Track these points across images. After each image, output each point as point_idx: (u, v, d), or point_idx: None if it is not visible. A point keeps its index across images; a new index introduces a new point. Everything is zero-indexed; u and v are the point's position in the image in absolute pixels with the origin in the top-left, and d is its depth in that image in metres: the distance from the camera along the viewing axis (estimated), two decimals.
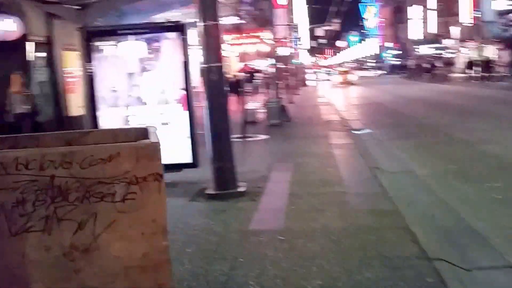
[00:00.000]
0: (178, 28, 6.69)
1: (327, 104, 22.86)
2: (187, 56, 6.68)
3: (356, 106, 22.49)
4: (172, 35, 6.75)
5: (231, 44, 33.37)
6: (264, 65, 38.47)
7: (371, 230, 4.68)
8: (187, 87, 6.75)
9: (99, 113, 6.95)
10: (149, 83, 6.86)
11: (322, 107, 21.06)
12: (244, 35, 35.89)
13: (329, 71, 63.88)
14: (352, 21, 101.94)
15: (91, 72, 6.89)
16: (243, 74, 32.22)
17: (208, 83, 6.13)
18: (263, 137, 12.32)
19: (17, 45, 13.48)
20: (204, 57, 6.10)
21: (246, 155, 9.68)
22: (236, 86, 17.49)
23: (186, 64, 6.70)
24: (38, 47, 14.51)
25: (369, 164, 8.07)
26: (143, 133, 3.24)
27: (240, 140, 12.00)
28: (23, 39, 13.62)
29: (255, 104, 18.54)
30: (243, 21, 26.17)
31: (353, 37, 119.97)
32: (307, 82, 46.86)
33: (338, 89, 37.90)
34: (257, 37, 37.85)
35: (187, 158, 6.88)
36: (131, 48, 6.81)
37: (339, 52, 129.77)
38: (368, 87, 37.56)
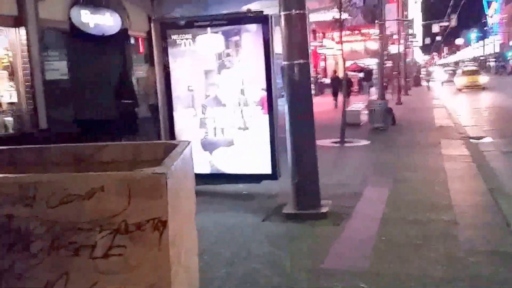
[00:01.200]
0: (261, 20, 5.85)
1: (441, 106, 20.78)
2: (271, 52, 5.81)
3: (475, 109, 20.20)
4: (254, 27, 5.93)
5: (338, 42, 32.08)
6: (373, 63, 36.61)
7: (489, 285, 3.48)
8: (269, 87, 5.89)
9: (174, 114, 6.36)
10: (228, 82, 6.11)
11: (435, 110, 19.10)
12: (350, 32, 34.45)
13: (453, 69, 50.78)
14: (472, 17, 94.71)
15: (167, 69, 6.30)
16: (351, 73, 30.92)
17: (290, 84, 5.21)
18: (363, 142, 11.13)
19: (118, 40, 13.56)
20: (285, 52, 5.20)
21: (340, 163, 8.63)
22: (345, 85, 16.43)
23: (268, 61, 5.85)
24: (139, 42, 14.59)
25: (488, 184, 6.63)
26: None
27: (337, 145, 10.94)
28: (124, 34, 13.70)
29: (359, 105, 17.24)
30: (349, 17, 24.80)
31: (473, 34, 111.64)
32: (422, 82, 43.67)
33: (457, 91, 34.22)
34: (366, 34, 36.08)
35: (267, 169, 6.03)
36: (209, 42, 6.10)
37: (456, 51, 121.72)
38: (490, 89, 34.00)
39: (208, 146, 6.25)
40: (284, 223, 5.11)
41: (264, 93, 5.92)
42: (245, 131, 6.08)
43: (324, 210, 5.28)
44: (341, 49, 13.47)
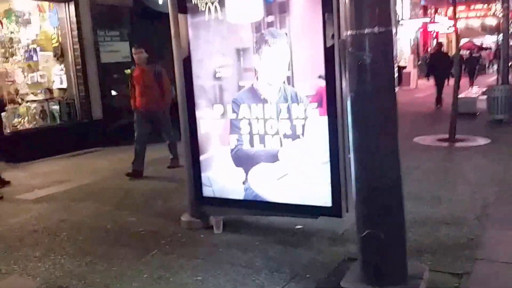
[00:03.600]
0: None
1: None
2: (333, 20, 3.64)
3: None
4: None
5: (450, 17, 28.25)
6: (492, 41, 32.13)
7: None
8: (331, 74, 3.73)
9: (198, 114, 4.43)
10: (270, 66, 4.03)
11: None
12: (466, 7, 30.29)
13: None
14: None
15: (188, 47, 4.38)
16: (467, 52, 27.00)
17: (357, 67, 3.02)
18: (480, 141, 8.47)
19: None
20: (350, 17, 3.01)
21: (446, 177, 6.18)
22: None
23: (330, 35, 3.68)
24: None
25: None
26: None
27: (445, 144, 8.40)
28: None
29: (474, 90, 14.20)
30: None
31: None
32: None
33: None
34: (485, 9, 31.58)
35: (325, 199, 3.90)
36: (243, 7, 4.06)
37: None
38: None
39: (243, 160, 4.25)
40: None
41: (323, 83, 3.78)
42: (294, 141, 3.99)
43: (414, 287, 3.06)
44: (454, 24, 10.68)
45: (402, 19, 26.15)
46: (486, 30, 33.68)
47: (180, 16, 4.35)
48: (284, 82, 3.97)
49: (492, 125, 10.18)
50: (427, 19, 28.90)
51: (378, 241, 3.09)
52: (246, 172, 4.25)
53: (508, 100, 10.62)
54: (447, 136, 8.75)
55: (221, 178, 4.41)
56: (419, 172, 6.38)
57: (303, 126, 3.93)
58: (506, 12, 12.32)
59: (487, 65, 28.38)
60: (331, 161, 3.84)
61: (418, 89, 20.03)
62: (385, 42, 2.96)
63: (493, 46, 29.15)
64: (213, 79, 4.29)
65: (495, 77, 15.76)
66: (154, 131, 7.22)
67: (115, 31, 10.94)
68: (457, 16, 25.56)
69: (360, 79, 3.04)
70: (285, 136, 4.02)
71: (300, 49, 3.88)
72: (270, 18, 3.95)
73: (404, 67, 22.24)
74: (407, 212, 3.23)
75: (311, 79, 3.86)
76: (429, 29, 30.95)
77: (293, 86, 3.93)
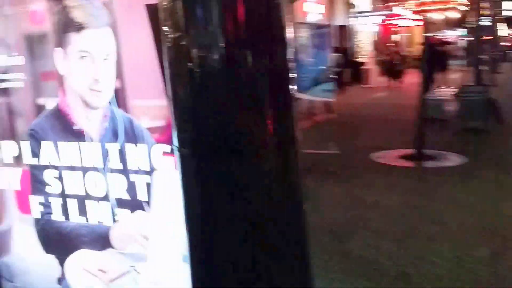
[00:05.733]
0: None
1: None
2: None
3: None
4: None
5: (414, 12, 27.02)
6: (454, 35, 31.24)
7: None
8: (177, 89, 1.83)
9: None
10: (84, 71, 2.09)
11: None
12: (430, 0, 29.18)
13: None
14: None
15: None
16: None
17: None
18: (454, 160, 6.78)
19: None
20: None
21: (416, 224, 4.38)
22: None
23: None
24: None
25: None
26: None
27: (411, 164, 6.68)
28: None
29: (442, 91, 12.63)
30: None
31: None
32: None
33: None
34: (447, 2, 30.55)
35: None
36: None
37: None
38: None
39: (54, 241, 2.33)
40: None
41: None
42: (135, 213, 2.08)
43: None
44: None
45: (361, 12, 24.96)
46: (449, 24, 32.75)
47: None
48: (110, 102, 2.06)
49: (465, 135, 8.54)
50: (387, 12, 27.63)
51: None
52: (61, 262, 2.33)
53: (483, 104, 9.04)
54: (412, 151, 7.05)
55: (28, 268, 2.47)
56: (377, 214, 4.59)
57: (149, 185, 2.04)
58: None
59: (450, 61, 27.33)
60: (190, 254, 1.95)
61: (378, 88, 18.45)
62: None
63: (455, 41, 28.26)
64: None
65: (457, 75, 14.31)
66: None
67: None
68: (417, 9, 24.29)
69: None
70: (120, 203, 2.11)
71: (136, 38, 1.98)
72: None
73: (362, 63, 20.76)
74: None
75: (158, 95, 1.96)
76: (389, 22, 29.71)
77: (125, 109, 2.03)
